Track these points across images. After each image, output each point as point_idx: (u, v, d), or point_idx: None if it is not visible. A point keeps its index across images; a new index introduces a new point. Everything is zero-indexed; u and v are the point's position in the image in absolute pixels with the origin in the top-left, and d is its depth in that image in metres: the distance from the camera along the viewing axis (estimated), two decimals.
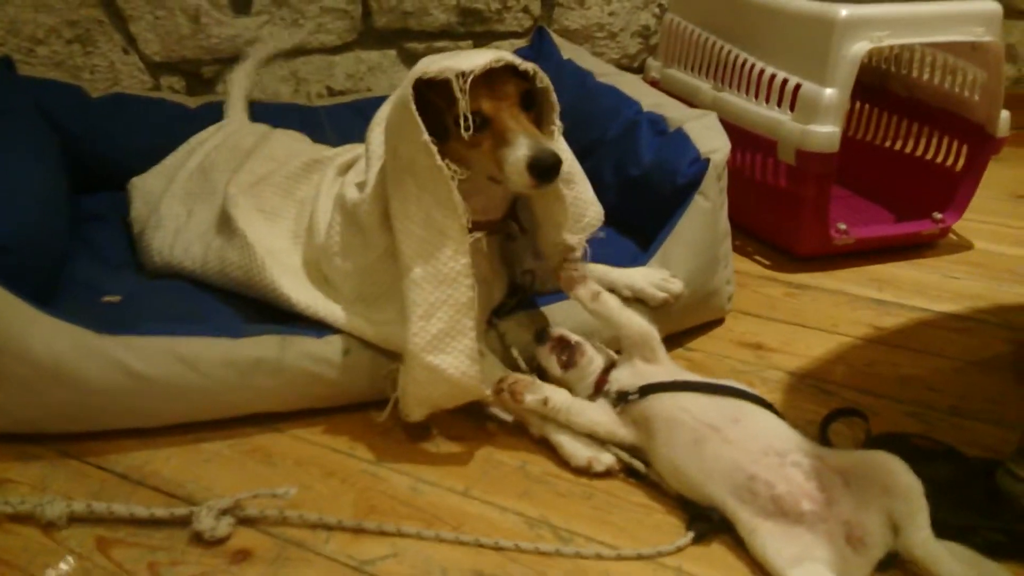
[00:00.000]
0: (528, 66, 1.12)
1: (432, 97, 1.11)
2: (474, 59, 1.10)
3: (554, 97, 1.16)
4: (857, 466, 0.98)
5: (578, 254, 1.25)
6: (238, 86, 1.77)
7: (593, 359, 1.21)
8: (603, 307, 1.19)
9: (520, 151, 1.09)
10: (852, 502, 0.96)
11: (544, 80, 1.14)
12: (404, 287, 1.13)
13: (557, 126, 1.18)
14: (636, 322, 1.18)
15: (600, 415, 1.14)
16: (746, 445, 1.01)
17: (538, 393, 1.14)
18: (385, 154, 1.18)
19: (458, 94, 1.08)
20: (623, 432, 1.13)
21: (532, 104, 1.16)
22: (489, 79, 1.10)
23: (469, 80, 1.07)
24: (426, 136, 1.07)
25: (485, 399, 1.17)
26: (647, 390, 1.11)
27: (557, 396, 1.14)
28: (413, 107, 1.07)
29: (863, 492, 0.96)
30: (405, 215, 1.13)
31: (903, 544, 0.92)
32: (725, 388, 1.10)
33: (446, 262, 1.12)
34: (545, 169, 1.08)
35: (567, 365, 1.21)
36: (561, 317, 1.30)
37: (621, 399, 1.13)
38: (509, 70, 1.12)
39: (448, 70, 1.08)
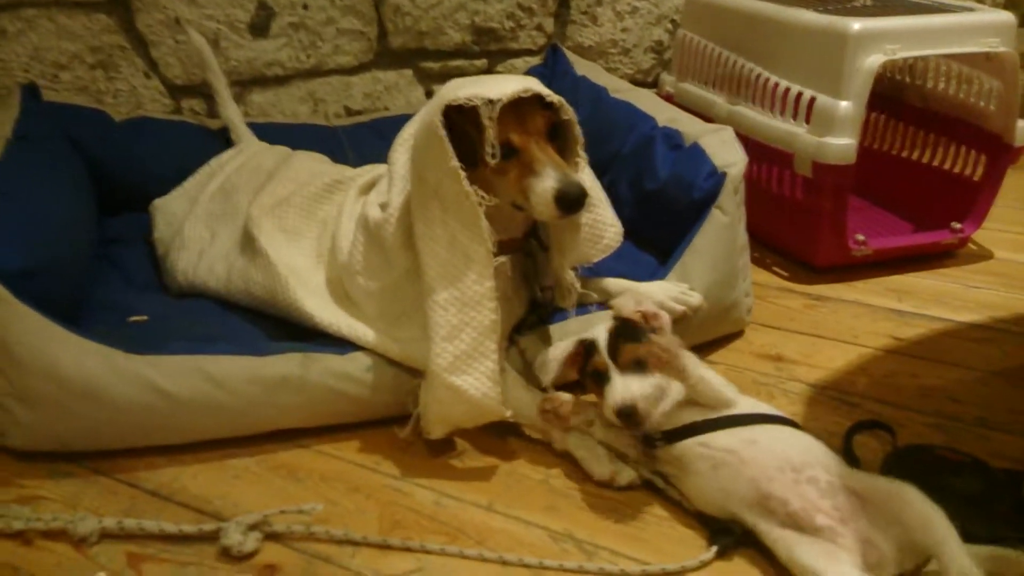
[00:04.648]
0: (555, 98, 1.14)
1: (461, 122, 1.12)
2: (502, 86, 1.11)
3: (578, 130, 1.18)
4: (873, 492, 0.96)
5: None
6: (234, 113, 1.80)
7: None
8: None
9: (548, 182, 1.11)
10: (868, 524, 0.95)
11: (569, 112, 1.16)
12: (427, 308, 1.14)
13: (582, 158, 1.20)
14: None
15: (630, 449, 1.15)
16: (762, 463, 1.01)
17: (583, 414, 1.16)
18: (410, 176, 1.19)
19: (486, 123, 1.09)
20: (649, 463, 1.13)
21: (557, 135, 1.18)
22: (517, 107, 1.12)
23: (498, 109, 1.09)
24: (455, 162, 1.09)
25: (505, 419, 1.17)
26: (672, 436, 1.09)
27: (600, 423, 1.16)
28: (443, 133, 1.09)
29: (879, 518, 0.95)
30: (430, 237, 1.14)
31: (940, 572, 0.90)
32: (754, 417, 1.08)
33: (470, 285, 1.13)
34: (571, 201, 1.11)
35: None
36: (577, 329, 1.30)
37: (648, 443, 1.12)
38: (536, 100, 1.14)
39: (476, 97, 1.09)
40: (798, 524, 0.96)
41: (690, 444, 1.07)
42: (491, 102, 1.09)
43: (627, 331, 1.12)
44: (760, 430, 1.06)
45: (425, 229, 1.15)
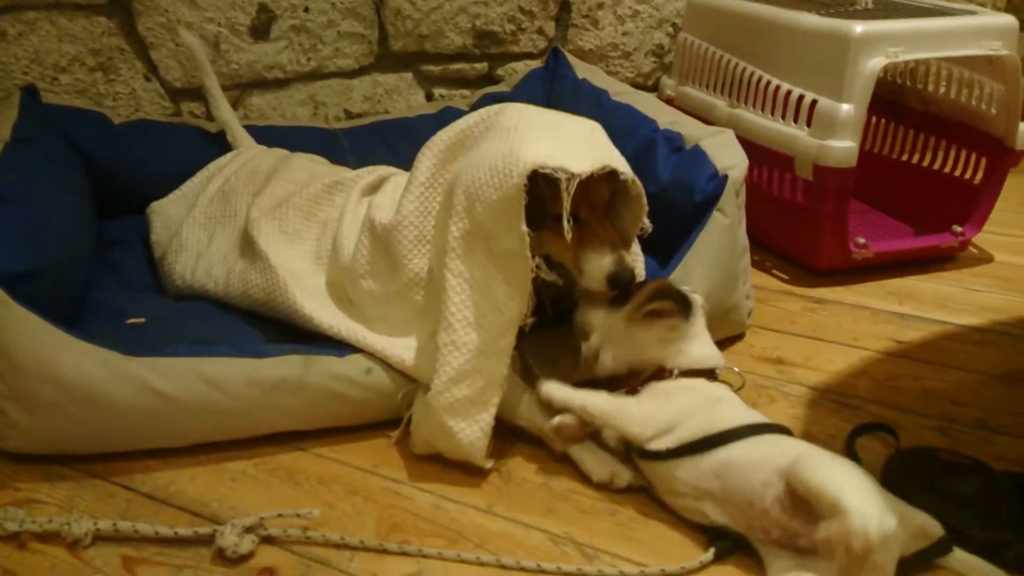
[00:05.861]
0: (629, 175, 1.14)
1: (537, 178, 1.09)
2: (580, 154, 1.10)
3: (643, 200, 1.19)
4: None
5: None
6: (228, 114, 1.79)
7: None
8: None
9: (605, 260, 1.14)
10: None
11: (639, 187, 1.16)
12: (440, 343, 1.12)
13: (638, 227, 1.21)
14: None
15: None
16: (735, 500, 0.99)
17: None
18: (460, 206, 1.13)
19: (565, 200, 1.07)
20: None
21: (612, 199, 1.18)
22: (586, 178, 1.10)
23: (575, 183, 1.07)
24: (524, 227, 1.07)
25: (484, 467, 1.16)
26: (645, 454, 1.08)
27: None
28: (523, 198, 1.06)
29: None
30: (463, 275, 1.12)
31: None
32: (723, 437, 1.04)
33: (495, 338, 1.11)
34: (621, 284, 1.14)
35: None
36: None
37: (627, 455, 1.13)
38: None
39: (561, 171, 1.07)
40: (785, 547, 0.95)
41: (664, 476, 1.06)
42: (571, 176, 1.07)
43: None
44: (721, 460, 1.02)
45: (463, 265, 1.12)
